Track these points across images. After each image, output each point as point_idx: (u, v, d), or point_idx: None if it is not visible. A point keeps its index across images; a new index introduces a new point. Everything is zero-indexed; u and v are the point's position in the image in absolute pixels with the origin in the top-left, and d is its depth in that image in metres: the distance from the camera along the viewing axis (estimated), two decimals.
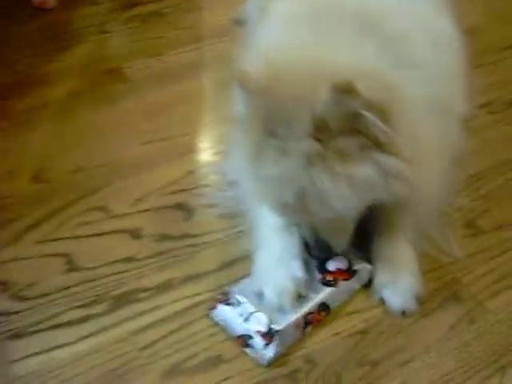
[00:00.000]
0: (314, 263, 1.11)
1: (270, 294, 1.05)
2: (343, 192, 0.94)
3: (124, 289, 1.14)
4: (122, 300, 1.13)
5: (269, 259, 1.09)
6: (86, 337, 1.08)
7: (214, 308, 1.08)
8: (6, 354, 1.06)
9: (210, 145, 1.48)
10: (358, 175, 0.93)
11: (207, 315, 1.07)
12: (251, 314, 1.04)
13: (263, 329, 1.02)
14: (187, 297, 1.13)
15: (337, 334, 1.06)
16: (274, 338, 1.01)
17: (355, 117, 0.90)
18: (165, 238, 1.23)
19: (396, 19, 1.06)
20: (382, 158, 0.94)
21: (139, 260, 1.19)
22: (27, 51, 1.71)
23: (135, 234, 1.24)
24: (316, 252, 1.10)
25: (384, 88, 0.92)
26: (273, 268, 1.07)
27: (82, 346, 1.06)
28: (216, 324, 1.06)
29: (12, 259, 1.20)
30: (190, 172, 1.36)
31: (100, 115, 1.50)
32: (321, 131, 0.91)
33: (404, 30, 1.05)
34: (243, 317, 1.05)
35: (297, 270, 1.06)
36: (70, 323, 1.10)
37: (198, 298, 1.12)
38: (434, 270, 1.14)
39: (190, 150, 1.42)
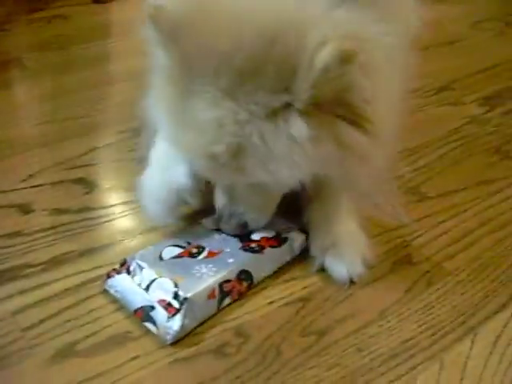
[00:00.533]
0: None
1: (146, 204, 0.92)
2: (295, 160, 0.77)
3: (6, 265, 0.92)
4: (2, 277, 0.90)
5: (151, 172, 0.93)
6: None
7: (109, 278, 0.88)
8: None
9: (114, 125, 1.27)
10: (319, 146, 0.76)
11: (104, 289, 0.87)
12: (153, 281, 0.85)
13: (168, 297, 0.82)
14: (84, 271, 0.91)
15: (272, 302, 0.87)
16: (181, 308, 0.81)
17: (343, 87, 0.74)
18: (61, 212, 1.02)
19: None
20: (351, 132, 0.78)
21: (28, 235, 0.97)
22: None
23: (24, 209, 1.02)
24: (227, 227, 0.93)
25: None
26: (154, 178, 0.92)
27: None
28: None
29: None
30: (92, 149, 1.16)
31: None
32: (289, 88, 0.74)
33: None
34: (143, 285, 0.85)
35: (180, 175, 0.89)
36: None
37: (97, 272, 0.90)
38: (380, 234, 0.99)
39: (91, 129, 1.23)
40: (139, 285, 0.85)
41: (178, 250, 0.91)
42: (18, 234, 0.98)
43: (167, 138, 0.88)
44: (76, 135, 1.19)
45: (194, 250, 0.91)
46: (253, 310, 0.86)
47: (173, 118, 0.81)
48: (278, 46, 0.72)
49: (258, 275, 0.90)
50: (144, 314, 0.83)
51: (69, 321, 0.83)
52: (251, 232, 0.93)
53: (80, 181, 1.08)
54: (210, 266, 0.87)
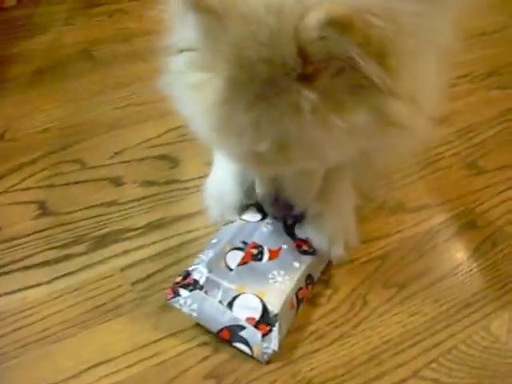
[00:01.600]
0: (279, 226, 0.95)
1: (210, 204, 0.98)
2: (337, 140, 0.76)
3: (107, 230, 1.01)
4: (105, 240, 0.99)
5: (215, 170, 1.01)
6: (64, 275, 0.94)
7: (175, 295, 0.85)
8: None
9: None
10: (353, 122, 0.75)
11: (170, 303, 0.85)
12: (235, 297, 0.83)
13: (256, 315, 0.81)
14: (180, 234, 1.00)
15: (353, 260, 0.96)
16: (274, 326, 0.81)
17: (349, 57, 0.70)
18: (150, 184, 1.11)
19: None
20: (381, 101, 0.75)
21: (122, 204, 1.07)
22: None
23: (116, 182, 1.11)
24: (274, 211, 0.94)
25: (385, 24, 0.71)
26: (217, 175, 1.00)
27: (59, 285, 0.92)
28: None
29: None
30: (170, 130, 1.24)
31: (67, 86, 1.40)
32: (308, 70, 0.72)
33: None
34: (225, 302, 0.83)
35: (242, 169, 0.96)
36: (44, 264, 0.96)
37: (193, 235, 1.00)
38: (444, 203, 1.07)
39: (166, 113, 1.30)
40: (220, 302, 0.83)
41: (240, 254, 0.90)
42: (113, 203, 1.07)
43: (209, 141, 0.87)
44: (152, 118, 1.28)
45: (255, 252, 0.90)
46: (336, 268, 0.95)
47: (210, 123, 0.78)
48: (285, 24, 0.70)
49: (316, 277, 0.92)
50: (232, 334, 0.82)
51: (172, 276, 0.91)
52: (294, 223, 0.95)
53: (163, 157, 1.17)
54: (282, 273, 0.87)
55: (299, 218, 0.95)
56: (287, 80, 0.71)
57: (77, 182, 1.11)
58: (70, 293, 0.91)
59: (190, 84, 0.78)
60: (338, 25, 0.66)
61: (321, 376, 0.80)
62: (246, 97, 0.73)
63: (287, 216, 0.95)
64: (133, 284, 0.92)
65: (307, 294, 0.89)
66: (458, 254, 0.99)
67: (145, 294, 0.90)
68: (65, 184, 1.11)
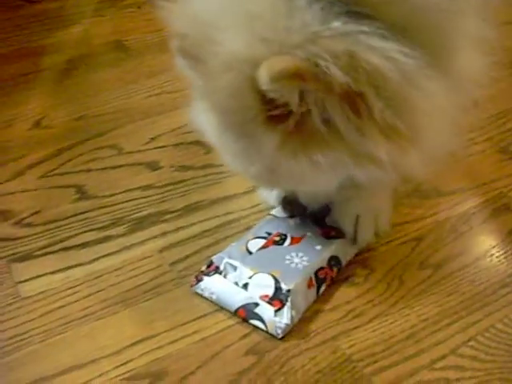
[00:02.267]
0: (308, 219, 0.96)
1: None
2: (311, 176, 0.78)
3: (145, 212, 1.04)
4: (144, 222, 1.02)
5: None
6: (104, 256, 0.96)
7: (199, 281, 0.89)
8: (11, 276, 0.92)
9: None
10: (321, 159, 0.74)
11: (193, 289, 0.89)
12: (250, 277, 0.86)
13: (270, 292, 0.84)
14: (217, 216, 1.02)
15: (389, 241, 0.96)
16: (287, 300, 0.83)
17: (308, 102, 0.70)
18: (186, 168, 1.13)
19: None
20: (352, 140, 0.72)
21: (159, 187, 1.09)
22: (19, 31, 1.63)
23: (152, 166, 1.14)
24: (288, 211, 0.97)
25: (348, 67, 0.67)
26: None
27: (99, 266, 0.95)
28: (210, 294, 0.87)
29: (13, 192, 1.08)
30: None
31: (102, 75, 1.42)
32: (275, 113, 0.71)
33: None
34: (240, 283, 0.86)
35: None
36: (84, 245, 0.98)
37: (229, 217, 1.02)
38: (477, 187, 1.08)
39: None
40: (236, 283, 0.87)
41: (262, 242, 0.93)
42: (150, 186, 1.09)
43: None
44: (185, 105, 1.30)
45: (277, 238, 0.93)
46: (372, 248, 0.95)
47: (213, 138, 0.83)
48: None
49: (344, 260, 0.92)
50: (248, 312, 0.84)
51: (209, 256, 0.92)
52: (323, 215, 0.96)
53: (197, 143, 1.18)
54: (301, 254, 0.89)
55: (328, 212, 0.96)
56: (256, 124, 0.72)
57: (114, 167, 1.14)
58: (110, 272, 0.93)
59: (200, 108, 0.83)
60: (285, 78, 0.66)
61: (360, 353, 0.81)
62: (232, 131, 0.77)
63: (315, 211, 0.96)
64: (171, 264, 0.94)
65: (331, 275, 0.90)
66: (492, 236, 0.99)
67: (183, 273, 0.92)
68: (102, 169, 1.13)
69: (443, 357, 0.80)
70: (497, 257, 0.95)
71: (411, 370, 0.79)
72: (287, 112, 0.71)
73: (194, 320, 0.86)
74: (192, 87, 0.84)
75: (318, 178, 0.79)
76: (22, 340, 0.83)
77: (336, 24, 0.68)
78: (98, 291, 0.90)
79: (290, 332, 0.83)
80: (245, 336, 0.83)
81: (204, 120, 0.83)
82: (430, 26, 0.70)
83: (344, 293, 0.89)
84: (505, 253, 0.96)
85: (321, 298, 0.87)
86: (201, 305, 0.87)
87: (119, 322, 0.86)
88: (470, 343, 0.82)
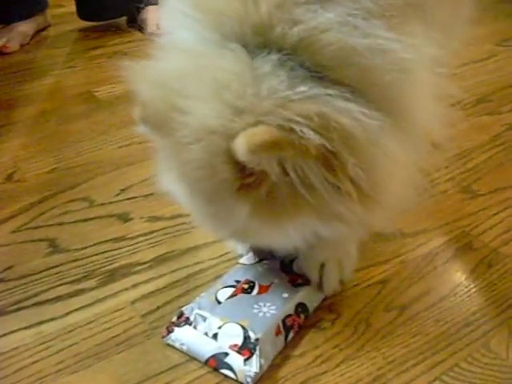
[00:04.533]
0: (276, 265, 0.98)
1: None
2: (279, 237, 0.81)
3: (117, 264, 1.05)
4: (115, 274, 1.03)
5: None
6: (77, 309, 0.97)
7: (170, 333, 0.90)
8: None
9: None
10: (294, 226, 0.78)
11: (164, 340, 0.90)
12: (220, 327, 0.87)
13: (239, 341, 0.85)
14: (187, 266, 1.04)
15: (356, 285, 0.99)
16: (255, 349, 0.84)
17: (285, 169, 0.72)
18: (156, 219, 1.15)
19: None
20: (326, 203, 0.74)
21: (130, 239, 1.11)
22: None
23: (123, 218, 1.16)
24: (261, 253, 0.99)
25: (322, 131, 0.69)
26: None
27: (72, 319, 0.95)
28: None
29: None
30: None
31: (73, 126, 1.46)
32: (248, 181, 0.73)
33: None
34: (211, 333, 0.88)
35: None
36: (56, 299, 0.99)
37: (200, 266, 1.03)
38: (441, 227, 1.11)
39: None
40: (206, 334, 0.88)
41: (231, 290, 0.94)
42: (122, 238, 1.11)
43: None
44: (154, 156, 1.33)
45: (246, 286, 0.95)
46: (340, 292, 0.98)
47: (183, 203, 0.86)
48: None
49: (311, 306, 0.94)
50: (218, 361, 0.85)
51: (180, 307, 0.93)
52: (292, 260, 0.98)
53: (167, 193, 1.21)
54: (268, 304, 0.91)
55: (296, 256, 0.98)
56: (229, 192, 0.73)
57: (86, 220, 1.15)
58: (83, 326, 0.94)
59: (169, 178, 0.84)
60: (264, 149, 0.67)
61: None
62: (203, 198, 0.78)
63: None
64: (143, 316, 0.95)
65: (299, 322, 0.91)
66: (456, 275, 1.02)
67: (155, 325, 0.93)
68: (74, 222, 1.15)
69: None
70: (460, 295, 0.98)
71: None
72: (260, 180, 0.72)
73: (167, 371, 0.87)
74: (157, 157, 0.85)
75: (286, 238, 0.81)
76: None
77: (302, 88, 0.70)
78: (71, 345, 0.91)
79: (259, 380, 0.84)
80: None
81: (173, 188, 0.84)
82: (382, 85, 0.73)
83: (312, 338, 0.90)
84: (468, 291, 0.99)
85: (289, 344, 0.89)
86: (172, 356, 0.88)
87: (93, 375, 0.87)
88: (435, 383, 0.84)
